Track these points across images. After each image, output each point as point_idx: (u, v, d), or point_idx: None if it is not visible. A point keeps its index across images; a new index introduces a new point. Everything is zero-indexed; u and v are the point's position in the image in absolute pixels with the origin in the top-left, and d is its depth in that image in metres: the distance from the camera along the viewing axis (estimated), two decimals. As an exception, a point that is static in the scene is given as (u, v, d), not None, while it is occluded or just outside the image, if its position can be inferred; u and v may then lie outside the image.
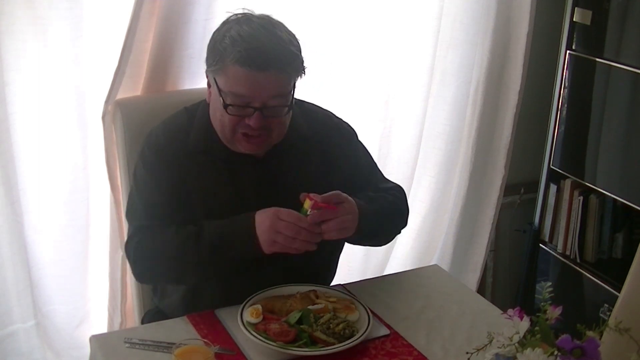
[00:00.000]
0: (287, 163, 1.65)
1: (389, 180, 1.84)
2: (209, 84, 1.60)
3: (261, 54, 1.49)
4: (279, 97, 1.54)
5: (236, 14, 1.57)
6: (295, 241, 1.50)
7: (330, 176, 1.68)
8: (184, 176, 1.62)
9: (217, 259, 1.56)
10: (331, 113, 1.79)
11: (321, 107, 1.79)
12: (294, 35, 1.58)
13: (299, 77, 1.59)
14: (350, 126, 1.80)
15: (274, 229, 1.50)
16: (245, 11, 1.58)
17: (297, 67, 1.56)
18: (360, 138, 1.82)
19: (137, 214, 1.68)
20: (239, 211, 1.59)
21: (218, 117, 1.57)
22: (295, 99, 1.64)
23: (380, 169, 1.85)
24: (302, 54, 1.57)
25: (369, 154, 1.83)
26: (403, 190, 1.83)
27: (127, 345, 1.46)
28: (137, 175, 1.68)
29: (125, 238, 1.74)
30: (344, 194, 1.56)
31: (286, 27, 1.58)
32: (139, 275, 1.69)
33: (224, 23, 1.57)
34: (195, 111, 1.67)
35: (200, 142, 1.63)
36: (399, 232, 1.85)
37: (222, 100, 1.53)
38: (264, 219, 1.52)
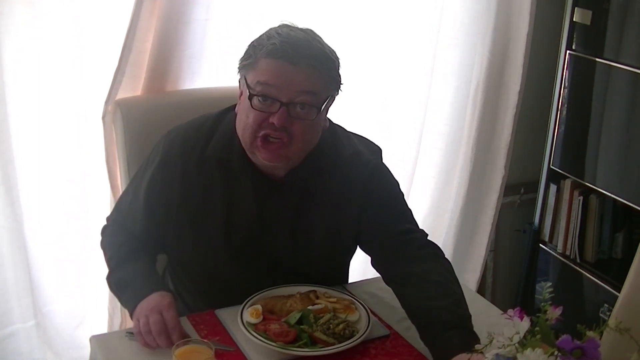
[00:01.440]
0: (303, 189, 1.59)
1: (416, 226, 1.68)
2: (240, 93, 1.54)
3: (295, 47, 1.44)
4: (307, 94, 1.46)
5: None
6: (150, 337, 1.43)
7: (343, 210, 1.62)
8: (188, 183, 1.57)
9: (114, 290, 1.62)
10: (357, 144, 1.66)
11: (349, 136, 1.68)
12: (335, 52, 1.53)
13: (334, 93, 1.53)
14: (375, 160, 1.66)
15: (146, 314, 1.45)
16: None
17: (330, 73, 1.49)
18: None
19: (121, 205, 1.70)
20: (241, 225, 1.58)
21: (243, 119, 1.50)
22: (333, 123, 1.62)
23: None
24: (339, 72, 1.52)
25: (397, 189, 1.70)
26: (435, 244, 1.66)
27: (127, 337, 1.46)
28: (143, 169, 1.65)
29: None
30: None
31: (329, 44, 1.53)
32: (101, 246, 1.73)
33: (265, 32, 1.51)
34: (224, 115, 1.61)
35: (219, 149, 1.56)
36: None
37: (248, 93, 1.46)
38: (152, 300, 1.47)
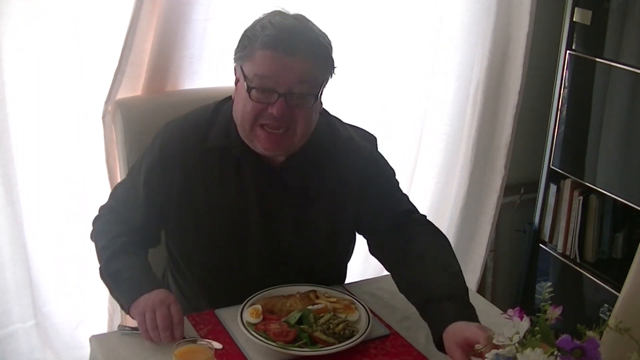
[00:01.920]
0: (303, 175, 1.60)
1: (414, 207, 1.72)
2: (236, 80, 1.55)
3: (290, 38, 1.45)
4: (305, 84, 1.48)
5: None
6: (155, 333, 1.44)
7: (343, 196, 1.64)
8: (188, 177, 1.58)
9: (105, 280, 1.60)
10: (352, 132, 1.69)
11: (344, 124, 1.71)
12: (327, 35, 1.54)
13: (329, 76, 1.55)
14: (370, 147, 1.70)
15: (153, 308, 1.45)
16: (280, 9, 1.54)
17: (326, 60, 1.52)
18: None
19: (116, 194, 1.70)
20: (243, 215, 1.59)
21: (240, 107, 1.51)
22: (324, 109, 1.63)
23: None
24: (333, 55, 1.54)
25: (391, 173, 1.73)
26: (432, 224, 1.70)
27: (121, 332, 1.48)
28: (141, 160, 1.65)
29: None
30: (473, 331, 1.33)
31: (320, 28, 1.54)
32: (91, 238, 1.72)
33: (257, 20, 1.52)
34: (222, 105, 1.62)
35: (219, 137, 1.57)
36: None
37: (246, 86, 1.47)
38: (158, 294, 1.48)
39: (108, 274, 1.59)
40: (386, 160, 1.73)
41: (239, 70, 1.52)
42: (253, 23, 1.51)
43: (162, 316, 1.44)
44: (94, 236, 1.69)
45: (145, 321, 1.44)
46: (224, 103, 1.63)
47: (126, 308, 1.51)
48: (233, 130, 1.56)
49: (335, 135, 1.64)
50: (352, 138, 1.67)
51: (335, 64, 1.55)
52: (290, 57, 1.45)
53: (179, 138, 1.59)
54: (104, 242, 1.64)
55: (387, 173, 1.72)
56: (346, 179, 1.63)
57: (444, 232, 2.59)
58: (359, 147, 1.66)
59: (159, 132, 1.63)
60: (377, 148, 1.73)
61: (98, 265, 1.63)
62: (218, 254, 1.63)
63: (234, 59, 1.54)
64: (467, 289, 1.49)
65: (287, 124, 1.49)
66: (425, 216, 1.72)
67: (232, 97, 1.57)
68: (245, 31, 1.51)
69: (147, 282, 1.53)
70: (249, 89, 1.47)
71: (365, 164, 1.65)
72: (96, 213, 2.03)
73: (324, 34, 1.54)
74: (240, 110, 1.51)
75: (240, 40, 1.52)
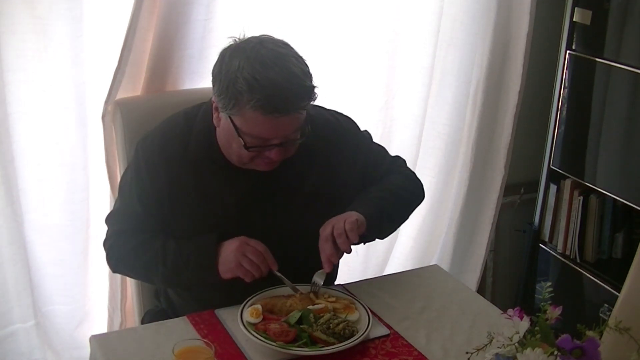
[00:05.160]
0: (289, 171, 1.62)
1: (392, 158, 1.85)
2: (216, 108, 1.54)
3: (282, 100, 1.45)
4: (298, 130, 1.53)
5: (245, 42, 1.50)
6: (258, 269, 1.55)
7: (333, 180, 1.67)
8: (177, 184, 1.60)
9: (176, 277, 1.62)
10: (326, 112, 1.74)
11: (316, 107, 1.72)
12: (303, 61, 1.52)
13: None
14: (349, 121, 1.77)
15: (241, 252, 1.54)
16: (248, 37, 1.52)
17: (310, 96, 1.52)
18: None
19: (117, 219, 1.70)
20: (237, 218, 1.61)
21: (235, 148, 1.54)
22: None
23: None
24: (313, 78, 1.52)
25: (371, 141, 1.82)
26: (404, 161, 1.87)
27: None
28: (125, 180, 1.69)
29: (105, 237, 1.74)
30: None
31: (294, 52, 1.52)
32: (114, 271, 1.79)
33: (232, 56, 1.49)
34: (194, 116, 1.64)
35: (200, 150, 1.61)
36: (419, 204, 1.87)
37: (242, 142, 1.50)
38: (231, 242, 1.55)
39: (165, 264, 1.59)
40: (357, 127, 1.79)
41: (226, 117, 1.52)
42: (231, 71, 1.47)
43: (253, 252, 1.53)
44: (112, 262, 1.71)
45: (244, 267, 1.53)
46: (195, 112, 1.65)
47: (211, 275, 1.56)
48: (214, 144, 1.60)
49: (315, 124, 1.64)
50: (326, 118, 1.71)
51: (316, 87, 1.53)
52: (284, 115, 1.47)
53: (159, 150, 1.62)
54: (123, 248, 1.66)
55: (363, 139, 1.78)
56: (335, 163, 1.68)
57: (444, 232, 2.64)
58: (334, 125, 1.71)
59: (136, 149, 1.66)
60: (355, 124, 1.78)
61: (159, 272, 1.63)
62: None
63: (217, 103, 1.52)
64: (390, 197, 1.69)
65: (282, 157, 1.55)
66: (404, 162, 1.86)
67: (215, 124, 1.57)
68: (228, 83, 1.47)
69: (204, 239, 1.58)
70: (246, 147, 1.51)
71: (348, 140, 1.72)
72: (96, 213, 2.04)
73: (302, 64, 1.51)
74: (236, 153, 1.55)
75: (223, 92, 1.48)
